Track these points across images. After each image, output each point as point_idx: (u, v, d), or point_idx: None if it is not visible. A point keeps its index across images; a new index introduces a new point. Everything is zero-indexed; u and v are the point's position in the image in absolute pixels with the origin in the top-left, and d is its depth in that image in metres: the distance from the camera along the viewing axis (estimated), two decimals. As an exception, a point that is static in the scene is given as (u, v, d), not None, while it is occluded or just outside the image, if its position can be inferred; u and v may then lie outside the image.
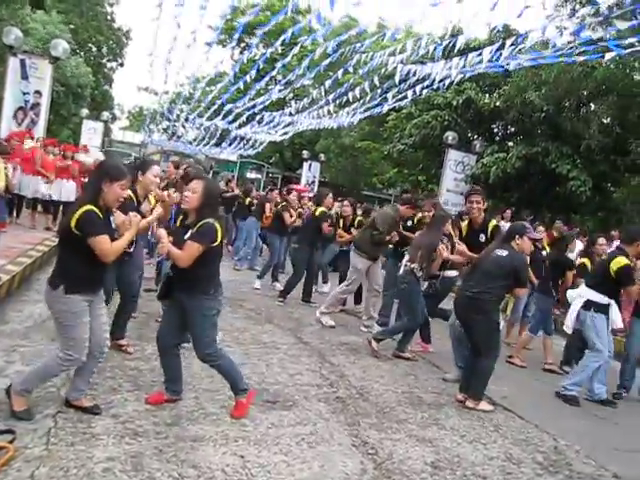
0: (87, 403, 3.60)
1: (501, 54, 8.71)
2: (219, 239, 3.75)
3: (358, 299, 8.24)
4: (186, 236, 3.65)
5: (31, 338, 4.87)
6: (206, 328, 3.80)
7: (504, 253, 4.89)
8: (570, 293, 6.06)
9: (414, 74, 10.65)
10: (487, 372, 4.91)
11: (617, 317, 5.68)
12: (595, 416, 5.44)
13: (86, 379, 3.61)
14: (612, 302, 5.65)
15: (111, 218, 3.53)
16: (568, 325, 5.84)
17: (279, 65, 12.79)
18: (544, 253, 7.59)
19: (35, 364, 3.76)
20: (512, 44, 8.50)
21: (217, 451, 3.35)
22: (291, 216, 9.31)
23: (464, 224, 6.06)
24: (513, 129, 18.25)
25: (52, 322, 4.81)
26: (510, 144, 17.64)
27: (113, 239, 3.43)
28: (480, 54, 9.09)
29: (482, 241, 5.57)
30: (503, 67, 9.09)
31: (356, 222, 8.49)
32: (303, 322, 7.16)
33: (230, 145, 24.83)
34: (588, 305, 5.65)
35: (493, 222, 5.76)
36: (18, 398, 3.38)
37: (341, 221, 8.74)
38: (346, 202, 8.86)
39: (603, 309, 5.62)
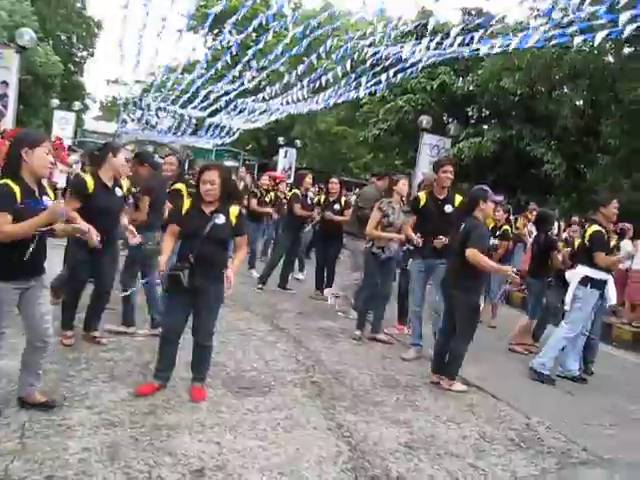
0: (41, 398, 3.46)
1: (473, 37, 8.75)
2: None
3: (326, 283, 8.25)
4: (220, 221, 3.81)
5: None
6: (218, 312, 4.08)
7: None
8: (568, 274, 6.13)
9: (386, 58, 10.66)
10: (461, 353, 4.98)
11: (612, 294, 5.82)
12: (567, 393, 5.56)
13: (34, 372, 3.44)
14: (610, 278, 5.74)
15: (44, 198, 3.27)
16: (567, 303, 5.88)
17: (252, 51, 12.68)
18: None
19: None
20: (480, 26, 8.57)
21: (193, 438, 3.38)
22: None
23: (422, 194, 5.91)
24: (488, 112, 18.40)
25: None
26: (485, 127, 17.78)
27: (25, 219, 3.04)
28: (448, 36, 9.12)
29: (448, 212, 5.58)
30: (475, 51, 9.12)
31: (343, 201, 8.20)
32: (279, 309, 7.19)
33: (206, 133, 24.62)
34: (585, 281, 5.68)
35: (460, 198, 5.69)
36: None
37: (322, 198, 8.66)
38: (334, 179, 8.67)
39: (599, 285, 5.67)
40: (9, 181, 3.08)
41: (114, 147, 4.85)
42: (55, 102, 25.43)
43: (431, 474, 3.41)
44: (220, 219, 3.82)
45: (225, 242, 4.04)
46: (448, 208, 5.61)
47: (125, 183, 5.04)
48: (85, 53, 41.67)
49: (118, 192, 4.72)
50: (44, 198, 3.26)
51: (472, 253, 4.69)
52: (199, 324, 3.97)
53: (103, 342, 4.86)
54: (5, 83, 13.98)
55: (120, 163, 4.70)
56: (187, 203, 3.99)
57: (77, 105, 26.12)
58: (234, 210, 3.96)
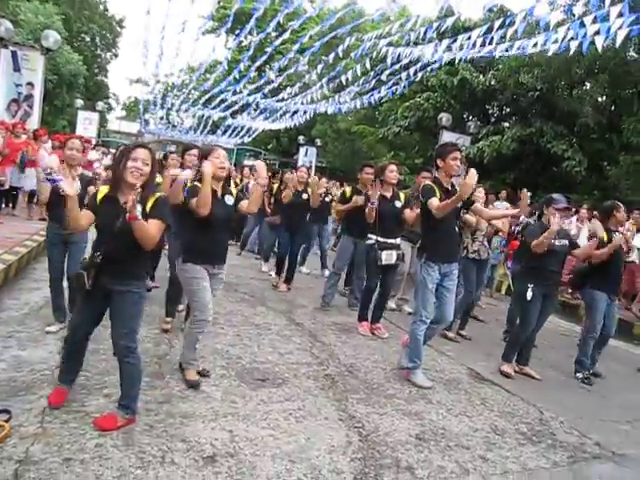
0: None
1: (493, 37, 8.72)
2: None
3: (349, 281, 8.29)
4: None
5: (27, 324, 4.97)
6: (137, 321, 3.48)
7: None
8: None
9: (406, 56, 10.67)
10: (515, 337, 5.56)
11: None
12: (582, 388, 5.55)
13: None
14: None
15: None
16: None
17: (270, 50, 12.77)
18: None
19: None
20: (501, 26, 8.52)
21: (206, 426, 3.45)
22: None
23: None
24: (508, 110, 18.26)
25: (48, 310, 4.99)
26: (505, 125, 17.66)
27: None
28: (469, 37, 9.11)
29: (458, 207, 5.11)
30: (492, 54, 9.08)
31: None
32: (296, 304, 7.25)
33: (225, 133, 24.84)
34: None
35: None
36: (188, 370, 4.14)
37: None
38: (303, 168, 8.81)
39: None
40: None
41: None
42: (79, 102, 25.85)
43: (441, 465, 3.44)
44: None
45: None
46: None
47: None
48: (108, 54, 42.25)
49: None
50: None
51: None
52: (113, 335, 3.34)
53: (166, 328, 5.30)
54: (31, 84, 14.32)
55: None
56: (103, 190, 3.36)
57: (101, 105, 26.47)
58: (152, 198, 3.32)
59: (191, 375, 4.14)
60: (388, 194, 6.20)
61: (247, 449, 3.25)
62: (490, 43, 8.80)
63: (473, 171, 4.29)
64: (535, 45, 7.95)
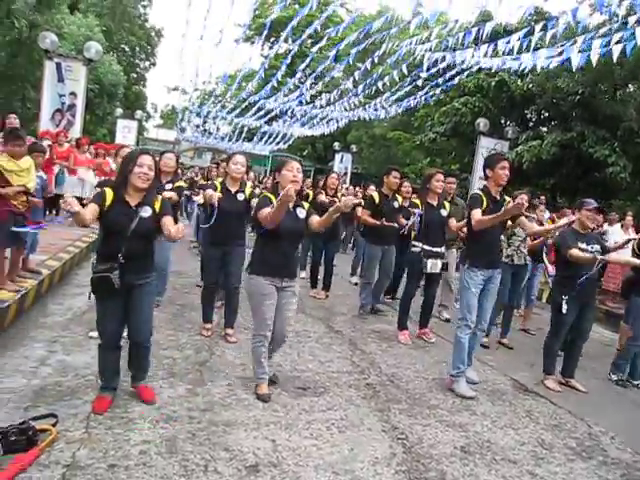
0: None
1: (531, 40, 8.54)
2: None
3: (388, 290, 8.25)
4: (146, 214, 3.52)
5: (71, 329, 5.06)
6: (152, 308, 3.94)
7: None
8: None
9: (442, 60, 10.55)
10: (546, 348, 5.45)
11: None
12: (632, 402, 5.36)
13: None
14: None
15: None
16: None
17: (308, 59, 12.81)
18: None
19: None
20: (541, 29, 8.34)
21: (249, 435, 3.43)
22: None
23: (481, 193, 5.03)
24: (547, 114, 17.90)
25: (91, 315, 5.06)
26: (544, 129, 17.32)
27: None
28: (508, 41, 8.95)
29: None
30: (534, 64, 8.88)
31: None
32: (335, 311, 7.21)
33: (260, 140, 25.02)
34: None
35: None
36: (258, 385, 4.11)
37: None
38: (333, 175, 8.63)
39: None
40: None
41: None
42: (119, 111, 26.35)
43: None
44: (146, 212, 3.51)
45: (152, 235, 3.66)
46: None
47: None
48: (147, 63, 43.11)
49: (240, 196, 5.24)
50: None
51: None
52: (136, 324, 3.65)
53: (232, 340, 5.31)
54: (74, 94, 14.68)
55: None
56: (109, 193, 3.50)
57: (139, 114, 26.94)
58: (157, 200, 3.64)
59: (261, 389, 4.10)
60: (434, 202, 6.19)
61: (290, 459, 3.21)
62: (528, 48, 8.63)
63: (524, 198, 4.35)
64: (579, 51, 7.74)
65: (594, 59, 7.34)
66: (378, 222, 6.71)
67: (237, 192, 5.20)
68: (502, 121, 18.49)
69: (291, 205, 3.98)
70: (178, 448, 3.15)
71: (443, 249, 6.27)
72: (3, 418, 3.11)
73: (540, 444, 3.97)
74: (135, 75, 41.84)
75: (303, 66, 13.20)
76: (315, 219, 4.08)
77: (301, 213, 4.08)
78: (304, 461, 3.22)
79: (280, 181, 4.03)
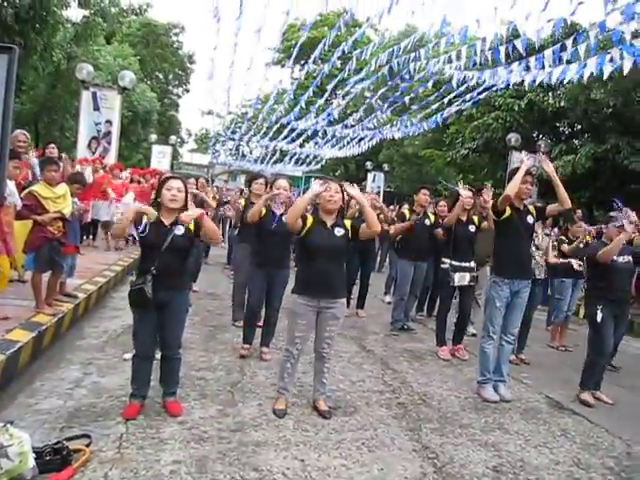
0: (323, 405, 4.24)
1: (562, 56, 8.46)
2: None
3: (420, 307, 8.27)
4: (179, 232, 3.78)
5: (106, 352, 5.16)
6: (184, 322, 4.13)
7: None
8: None
9: (471, 78, 10.53)
10: (588, 364, 5.33)
11: None
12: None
13: (319, 379, 4.34)
14: None
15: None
16: None
17: (337, 79, 12.96)
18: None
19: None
20: (575, 41, 8.25)
21: (278, 455, 3.44)
22: None
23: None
24: (579, 127, 17.63)
25: (126, 337, 5.17)
26: (577, 142, 17.04)
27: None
28: (541, 56, 8.88)
29: (530, 222, 5.21)
30: (564, 75, 8.79)
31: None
32: (367, 330, 7.19)
33: (291, 160, 25.24)
34: None
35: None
36: (276, 399, 4.23)
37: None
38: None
39: None
40: None
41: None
42: (153, 137, 26.98)
43: (522, 500, 3.28)
44: (180, 230, 3.79)
45: (185, 251, 3.93)
46: (530, 219, 5.12)
47: None
48: (180, 89, 44.10)
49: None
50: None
51: None
52: (168, 336, 3.91)
53: (267, 358, 5.42)
54: (109, 122, 15.18)
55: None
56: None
57: (173, 139, 27.54)
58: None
59: (277, 404, 4.18)
60: (463, 218, 6.37)
61: (319, 479, 3.21)
62: (560, 61, 8.54)
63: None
64: (611, 60, 7.63)
65: (626, 68, 7.24)
66: (406, 224, 7.10)
67: (282, 215, 5.19)
68: (534, 135, 18.26)
69: (329, 223, 4.10)
70: (208, 468, 3.18)
71: (472, 264, 6.36)
72: (39, 438, 3.19)
73: (576, 464, 3.87)
74: (168, 101, 42.82)
75: (331, 86, 13.35)
76: (363, 226, 4.15)
77: (339, 232, 4.11)
78: (333, 481, 3.21)
79: (320, 202, 4.13)
